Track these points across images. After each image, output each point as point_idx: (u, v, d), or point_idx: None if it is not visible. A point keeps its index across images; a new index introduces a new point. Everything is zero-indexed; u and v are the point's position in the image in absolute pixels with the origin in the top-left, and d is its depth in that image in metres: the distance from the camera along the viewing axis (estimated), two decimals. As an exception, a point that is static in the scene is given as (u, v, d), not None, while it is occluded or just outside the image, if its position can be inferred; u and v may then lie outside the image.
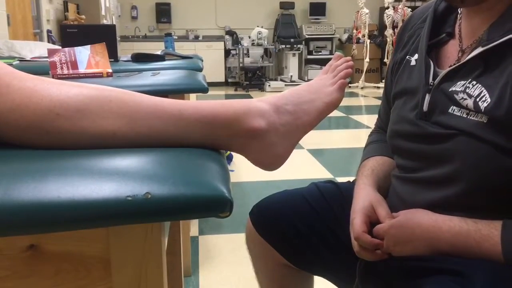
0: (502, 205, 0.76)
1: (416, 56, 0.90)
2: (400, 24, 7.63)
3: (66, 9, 5.51)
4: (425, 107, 0.84)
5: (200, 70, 1.93)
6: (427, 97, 0.84)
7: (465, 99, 0.76)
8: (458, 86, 0.78)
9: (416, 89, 0.87)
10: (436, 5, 0.91)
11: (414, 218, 0.82)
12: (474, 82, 0.76)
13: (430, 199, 0.83)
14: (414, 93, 0.87)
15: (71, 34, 2.01)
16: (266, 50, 8.62)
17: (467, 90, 0.76)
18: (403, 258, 0.83)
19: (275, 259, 1.06)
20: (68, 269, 0.47)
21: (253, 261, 1.15)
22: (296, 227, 1.03)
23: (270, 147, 0.65)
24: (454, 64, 0.81)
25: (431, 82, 0.84)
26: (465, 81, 0.78)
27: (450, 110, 0.79)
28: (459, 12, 0.87)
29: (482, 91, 0.74)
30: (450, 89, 0.80)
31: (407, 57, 0.93)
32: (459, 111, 0.77)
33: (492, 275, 0.71)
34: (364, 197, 0.92)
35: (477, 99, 0.74)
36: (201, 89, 1.39)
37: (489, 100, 0.73)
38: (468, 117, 0.75)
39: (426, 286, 0.75)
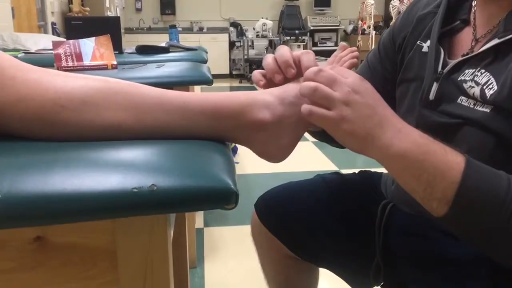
0: None
1: (428, 42, 0.86)
2: (405, 15, 7.55)
3: (70, 1, 5.51)
4: (431, 96, 0.81)
5: (205, 62, 1.93)
6: (435, 86, 0.81)
7: (473, 87, 0.74)
8: (467, 75, 0.76)
9: (426, 77, 0.84)
10: None
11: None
12: (483, 71, 0.74)
13: None
14: (424, 81, 0.84)
15: (75, 26, 2.01)
16: (271, 42, 8.58)
17: (475, 78, 0.74)
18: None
19: (280, 251, 1.06)
20: (74, 261, 0.47)
21: (258, 252, 1.16)
22: (301, 219, 1.03)
23: (275, 139, 0.65)
24: (468, 54, 0.79)
25: (440, 71, 0.81)
26: (474, 70, 0.75)
27: (458, 100, 0.77)
28: None
29: (490, 79, 0.72)
30: (459, 79, 0.77)
31: (418, 42, 0.88)
32: (466, 101, 0.75)
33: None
34: None
35: (484, 87, 0.72)
36: (206, 81, 1.39)
37: (495, 87, 0.71)
38: (475, 107, 0.74)
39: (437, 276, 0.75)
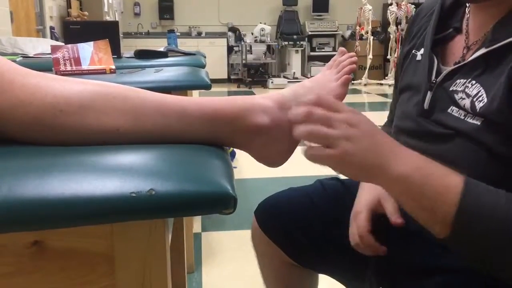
0: None
1: (422, 50, 0.87)
2: (403, 21, 7.61)
3: (69, 5, 5.51)
4: (426, 105, 0.82)
5: (203, 66, 1.93)
6: (429, 95, 0.82)
7: (464, 98, 0.74)
8: (459, 86, 0.76)
9: (420, 85, 0.85)
10: None
11: None
12: (474, 82, 0.74)
13: None
14: (419, 90, 0.86)
15: (74, 31, 2.01)
16: (269, 46, 8.60)
17: (466, 90, 0.74)
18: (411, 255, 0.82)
19: (280, 257, 1.06)
20: (72, 266, 0.47)
21: (258, 258, 1.15)
22: (301, 225, 1.02)
23: (273, 144, 0.65)
24: (459, 62, 0.79)
25: (434, 80, 0.82)
26: (465, 80, 0.76)
27: (449, 110, 0.77)
28: (467, 6, 0.84)
29: (480, 90, 0.72)
30: (451, 89, 0.78)
31: (413, 51, 0.90)
32: (457, 112, 0.76)
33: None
34: (372, 190, 0.90)
35: (474, 99, 0.72)
36: (204, 86, 1.39)
37: (485, 100, 0.71)
38: (465, 119, 0.74)
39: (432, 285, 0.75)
